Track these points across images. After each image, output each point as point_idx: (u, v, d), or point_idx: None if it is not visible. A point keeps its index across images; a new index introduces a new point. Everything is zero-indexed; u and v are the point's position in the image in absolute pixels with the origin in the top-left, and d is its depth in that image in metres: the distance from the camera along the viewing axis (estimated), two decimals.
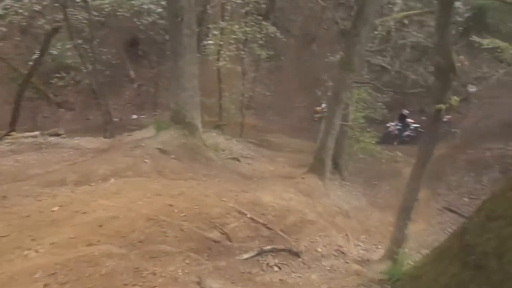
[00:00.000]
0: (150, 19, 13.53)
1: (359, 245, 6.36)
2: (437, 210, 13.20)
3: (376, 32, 11.04)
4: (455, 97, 4.23)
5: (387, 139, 17.48)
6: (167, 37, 12.25)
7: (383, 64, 9.15)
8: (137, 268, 3.29)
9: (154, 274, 3.25)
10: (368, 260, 5.20)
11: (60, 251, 3.46)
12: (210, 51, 15.16)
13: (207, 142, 9.60)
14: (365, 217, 10.61)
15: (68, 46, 14.63)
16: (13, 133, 9.69)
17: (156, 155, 7.38)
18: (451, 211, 12.69)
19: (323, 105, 18.02)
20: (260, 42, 13.84)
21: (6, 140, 8.46)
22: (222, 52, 12.88)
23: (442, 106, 3.98)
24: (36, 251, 3.42)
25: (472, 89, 19.71)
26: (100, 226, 3.98)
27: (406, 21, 11.50)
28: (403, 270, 3.71)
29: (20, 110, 12.11)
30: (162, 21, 13.90)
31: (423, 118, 18.22)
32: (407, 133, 17.31)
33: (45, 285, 2.98)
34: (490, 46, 13.37)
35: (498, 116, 19.02)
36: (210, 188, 6.52)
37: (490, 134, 17.36)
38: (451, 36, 3.95)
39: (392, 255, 4.86)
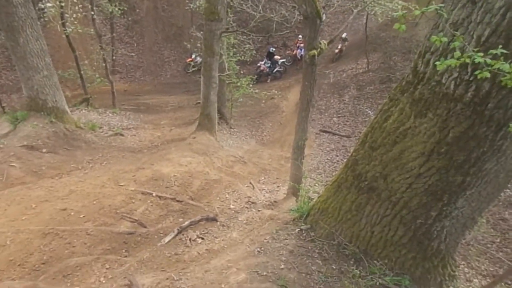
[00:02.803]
0: None
1: (263, 189, 6.82)
2: (315, 134, 14.84)
3: None
4: (324, 41, 4.60)
5: (260, 77, 18.34)
6: None
7: (247, 9, 9.17)
8: None
9: None
10: (275, 201, 5.65)
11: None
12: (50, 14, 12.88)
13: (80, 123, 8.58)
14: (258, 158, 11.30)
15: None
16: None
17: (24, 154, 6.32)
18: (326, 132, 14.42)
19: (193, 55, 17.59)
20: None
21: None
22: (67, 15, 11.05)
23: (315, 52, 4.31)
24: None
25: (320, 27, 21.61)
26: None
27: None
28: (310, 206, 4.18)
29: None
30: None
31: (288, 52, 19.51)
32: (276, 69, 18.33)
33: None
34: None
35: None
36: (102, 175, 5.99)
37: (343, 56, 19.61)
38: None
39: (295, 191, 5.38)
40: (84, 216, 4.41)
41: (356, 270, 3.26)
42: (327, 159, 12.13)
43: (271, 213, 4.90)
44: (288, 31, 10.93)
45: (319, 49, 4.33)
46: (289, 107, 15.92)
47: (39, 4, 12.08)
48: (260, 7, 8.48)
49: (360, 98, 14.73)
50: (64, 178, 5.77)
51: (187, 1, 15.88)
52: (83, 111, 11.09)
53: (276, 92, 14.36)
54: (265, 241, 3.75)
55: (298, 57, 18.38)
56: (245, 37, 14.88)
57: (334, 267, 3.31)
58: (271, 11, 10.05)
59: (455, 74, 2.59)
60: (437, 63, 1.88)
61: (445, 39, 1.85)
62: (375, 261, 3.37)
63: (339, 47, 17.54)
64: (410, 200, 3.08)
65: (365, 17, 18.69)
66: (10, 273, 3.25)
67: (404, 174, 3.03)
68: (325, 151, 13.03)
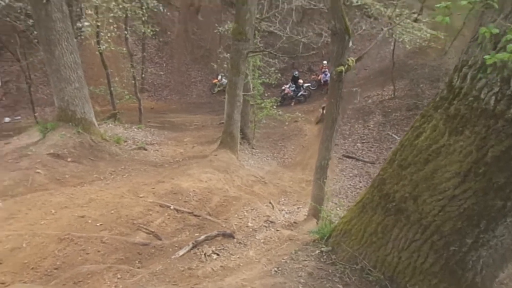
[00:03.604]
0: (3, 3, 11.27)
1: (283, 209, 6.64)
2: (338, 159, 14.56)
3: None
4: (352, 58, 4.52)
5: (284, 100, 18.40)
6: (30, 22, 10.45)
7: (275, 30, 9.27)
8: None
9: None
10: (295, 222, 5.45)
11: None
12: (86, 33, 13.53)
13: (106, 135, 8.74)
14: (279, 180, 11.13)
15: None
16: None
17: (49, 162, 6.44)
18: (349, 157, 14.15)
19: (219, 76, 17.91)
20: (143, 18, 12.80)
21: None
22: (102, 34, 11.56)
23: (343, 68, 4.23)
24: None
25: (349, 44, 21.74)
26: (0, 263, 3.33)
27: None
28: (331, 227, 3.97)
29: None
30: (20, 4, 11.73)
31: (313, 77, 19.58)
32: (301, 93, 18.40)
33: None
34: (359, 3, 14.69)
35: (372, 66, 21.40)
36: (122, 186, 5.99)
37: (369, 83, 19.52)
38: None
39: (315, 213, 5.17)
40: (101, 225, 4.37)
41: None
42: (350, 184, 11.80)
43: (290, 234, 4.70)
44: (314, 51, 10.94)
45: (346, 66, 4.24)
46: (312, 131, 15.78)
47: (77, 24, 12.74)
48: (288, 29, 8.55)
49: (386, 124, 14.44)
50: (85, 186, 5.81)
51: (216, 24, 16.37)
52: (110, 125, 11.35)
53: (299, 114, 14.29)
54: (283, 261, 3.55)
55: (323, 82, 18.42)
56: (271, 60, 15.06)
57: None
58: (298, 34, 10.14)
59: (496, 89, 2.42)
60: (486, 57, 1.74)
61: (496, 31, 1.71)
62: None
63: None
64: (442, 224, 2.84)
65: (392, 44, 18.62)
66: (22, 276, 3.20)
67: (437, 195, 2.82)
68: (348, 176, 12.72)
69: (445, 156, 2.76)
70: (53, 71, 7.04)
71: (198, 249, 3.97)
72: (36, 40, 10.68)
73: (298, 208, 6.92)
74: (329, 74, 19.56)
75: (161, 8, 13.84)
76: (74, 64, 7.11)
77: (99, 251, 3.73)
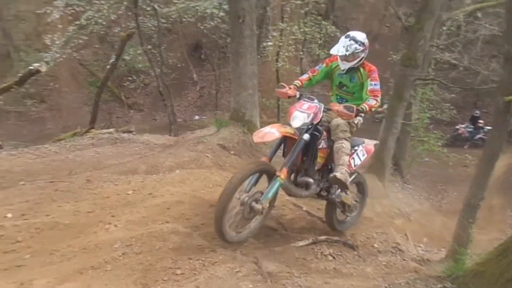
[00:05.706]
0: (212, 23, 14.19)
1: (420, 246, 6.13)
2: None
3: (444, 28, 10.48)
4: None
5: (456, 141, 16.50)
6: (228, 40, 12.76)
7: (451, 60, 8.60)
8: (200, 245, 3.60)
9: (215, 251, 3.52)
10: (428, 260, 5.01)
11: (134, 227, 3.89)
12: (269, 52, 15.50)
13: None
14: (427, 222, 10.14)
15: (139, 52, 15.95)
16: (92, 130, 10.91)
17: (217, 150, 7.78)
18: None
19: (385, 105, 17.43)
20: (319, 42, 13.84)
21: (87, 136, 9.51)
22: (281, 53, 13.10)
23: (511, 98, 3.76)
24: (115, 225, 3.89)
25: None
26: (168, 208, 4.37)
27: (479, 14, 10.68)
28: (463, 268, 3.58)
29: (98, 110, 13.60)
30: (224, 25, 14.52)
31: None
32: (479, 135, 16.14)
33: (123, 253, 3.42)
34: None
35: None
36: None
37: None
38: None
39: (454, 255, 4.66)
40: None
41: None
42: None
43: (416, 266, 4.41)
44: (494, 85, 9.50)
45: None
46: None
47: (263, 43, 14.77)
48: (467, 59, 7.85)
49: None
50: None
51: (391, 52, 16.15)
52: None
53: (470, 157, 12.58)
54: (397, 282, 3.44)
55: None
56: (447, 94, 13.87)
57: None
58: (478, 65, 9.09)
59: None
60: None
61: None
62: None
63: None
64: None
65: None
66: (179, 221, 4.14)
67: None
68: None
69: None
70: (235, 78, 8.51)
71: (316, 246, 4.21)
72: (229, 55, 12.95)
73: (438, 250, 6.25)
74: None
75: (338, 34, 14.62)
76: (252, 74, 8.39)
77: None
